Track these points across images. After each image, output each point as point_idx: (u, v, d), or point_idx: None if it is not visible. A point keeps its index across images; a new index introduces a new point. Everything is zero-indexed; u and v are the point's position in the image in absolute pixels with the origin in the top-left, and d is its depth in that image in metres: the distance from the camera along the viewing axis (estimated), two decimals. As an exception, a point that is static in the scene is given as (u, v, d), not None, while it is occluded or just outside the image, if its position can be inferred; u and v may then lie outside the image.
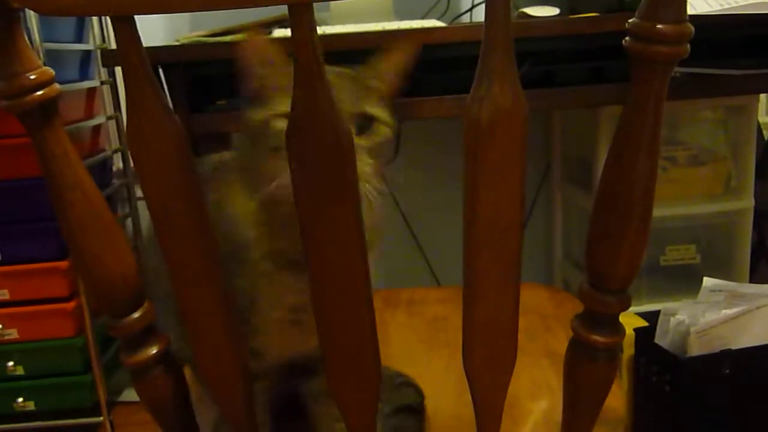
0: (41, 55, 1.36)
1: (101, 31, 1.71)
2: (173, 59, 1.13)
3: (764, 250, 1.71)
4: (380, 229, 0.65)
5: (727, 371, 1.00)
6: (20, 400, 1.53)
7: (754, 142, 1.58)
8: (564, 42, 1.18)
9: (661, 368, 1.06)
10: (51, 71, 0.47)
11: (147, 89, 0.44)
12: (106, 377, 1.54)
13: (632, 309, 0.54)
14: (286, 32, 1.20)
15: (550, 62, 1.18)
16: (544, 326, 0.97)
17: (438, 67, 1.13)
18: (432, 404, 0.77)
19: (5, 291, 1.49)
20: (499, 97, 0.45)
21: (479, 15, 1.69)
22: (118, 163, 1.82)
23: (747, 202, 1.58)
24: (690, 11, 0.44)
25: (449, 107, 1.08)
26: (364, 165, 0.56)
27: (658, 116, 0.46)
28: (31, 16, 1.32)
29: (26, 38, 0.47)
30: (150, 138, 0.46)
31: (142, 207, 1.78)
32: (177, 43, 1.22)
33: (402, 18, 1.32)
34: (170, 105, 0.46)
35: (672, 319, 1.06)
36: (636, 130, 0.47)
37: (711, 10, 1.11)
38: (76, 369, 1.53)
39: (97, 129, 1.69)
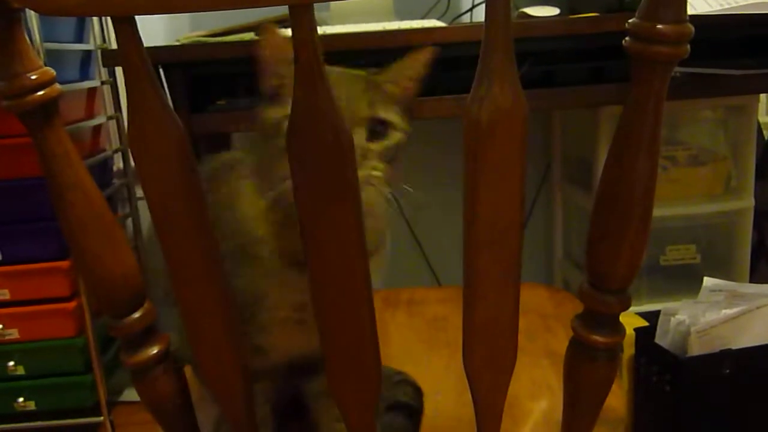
0: (42, 55, 1.36)
1: (102, 31, 1.71)
2: (174, 59, 1.13)
3: (764, 250, 1.71)
4: (385, 233, 0.65)
5: (727, 371, 1.00)
6: (21, 400, 1.53)
7: (754, 142, 1.58)
8: (564, 42, 1.18)
9: (662, 368, 1.06)
10: (52, 71, 0.47)
11: (148, 89, 0.45)
12: (106, 377, 1.54)
13: (632, 309, 0.54)
14: (287, 32, 1.20)
15: (550, 62, 1.18)
16: (544, 326, 0.97)
17: (438, 67, 1.13)
18: (432, 404, 0.77)
19: (6, 291, 1.49)
20: (499, 97, 0.45)
21: (479, 15, 1.69)
22: (118, 163, 1.82)
23: (747, 202, 1.58)
24: (690, 11, 0.44)
25: (449, 107, 1.08)
26: (375, 170, 0.56)
27: (658, 116, 0.46)
28: (32, 16, 1.32)
29: (27, 38, 0.47)
30: (151, 138, 0.46)
31: (142, 207, 1.78)
32: (177, 43, 1.22)
33: (402, 18, 1.32)
34: (171, 105, 0.46)
35: (672, 318, 1.06)
36: (636, 130, 0.47)
37: (711, 10, 1.11)
38: (76, 369, 1.53)
39: (97, 129, 1.69)
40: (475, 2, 1.69)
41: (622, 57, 0.46)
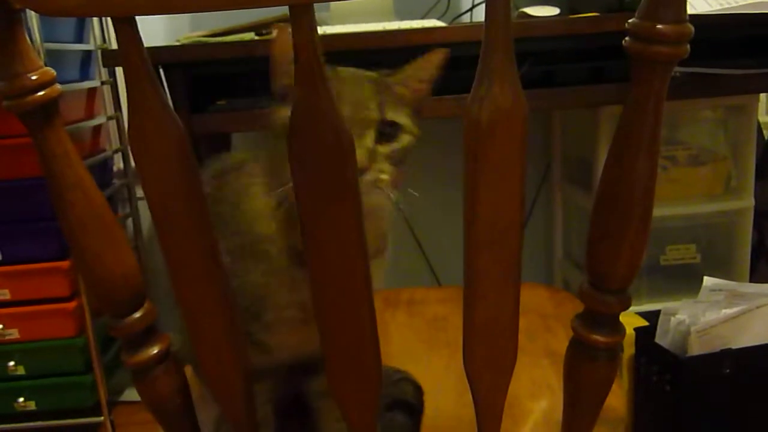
0: (42, 55, 1.36)
1: (102, 32, 1.71)
2: (174, 59, 1.13)
3: (764, 250, 1.71)
4: (388, 235, 0.65)
5: (728, 371, 1.01)
6: (21, 400, 1.53)
7: (754, 141, 1.58)
8: (564, 42, 1.18)
9: (662, 368, 1.06)
10: (52, 72, 0.47)
11: (148, 89, 0.45)
12: (106, 377, 1.54)
13: (632, 309, 0.54)
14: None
15: (550, 62, 1.18)
16: (545, 326, 0.97)
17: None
18: (432, 404, 0.77)
19: (6, 291, 1.49)
20: (499, 97, 0.45)
21: (479, 15, 1.69)
22: (118, 163, 1.82)
23: (747, 202, 1.58)
24: (690, 11, 0.44)
25: (449, 107, 1.08)
26: (383, 173, 0.56)
27: (658, 116, 0.46)
28: (32, 16, 1.32)
29: (27, 38, 0.47)
30: (151, 138, 0.46)
31: (142, 207, 1.78)
32: (177, 44, 1.22)
33: (402, 18, 1.32)
34: (171, 105, 0.47)
35: (672, 318, 1.06)
36: (636, 130, 0.47)
37: (711, 10, 1.11)
38: (76, 369, 1.53)
39: (97, 129, 1.69)
40: (475, 2, 1.69)
41: (622, 57, 0.46)
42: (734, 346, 1.01)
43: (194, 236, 0.49)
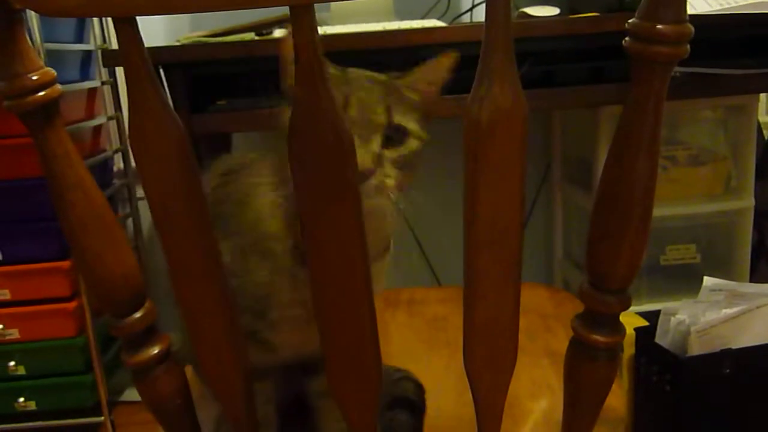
0: (42, 55, 1.36)
1: (102, 32, 1.71)
2: (174, 59, 1.13)
3: (764, 250, 1.71)
4: (390, 238, 0.65)
5: (728, 371, 1.00)
6: (21, 400, 1.53)
7: (754, 141, 1.58)
8: (564, 42, 1.18)
9: (662, 368, 1.06)
10: (53, 72, 0.47)
11: (149, 89, 0.45)
12: (107, 377, 1.54)
13: (632, 308, 0.54)
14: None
15: (550, 62, 1.18)
16: (545, 326, 0.97)
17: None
18: (432, 404, 0.77)
19: (6, 291, 1.49)
20: (500, 97, 0.45)
21: (479, 15, 1.69)
22: (118, 164, 1.82)
23: (747, 202, 1.58)
24: (690, 11, 0.44)
25: (449, 107, 1.08)
26: (388, 177, 0.56)
27: (658, 116, 0.46)
28: (32, 17, 1.32)
29: (28, 39, 0.47)
30: (151, 138, 0.46)
31: (142, 207, 1.78)
32: (178, 44, 1.22)
33: (402, 18, 1.32)
34: (171, 105, 0.47)
35: (672, 318, 1.06)
36: (636, 130, 0.47)
37: (711, 10, 1.11)
38: (77, 369, 1.53)
39: (97, 129, 1.69)
40: (475, 2, 1.69)
41: (622, 57, 0.46)
42: (734, 346, 1.01)
43: (194, 236, 0.49)
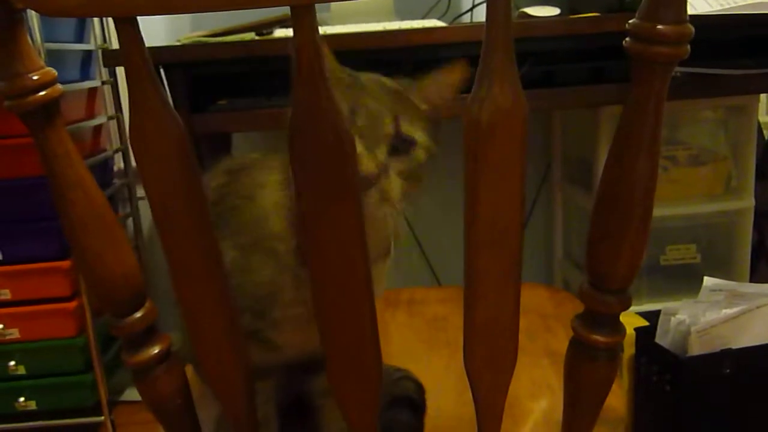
0: (42, 55, 1.36)
1: (102, 31, 1.71)
2: (174, 59, 1.13)
3: (764, 250, 1.71)
4: (391, 242, 0.65)
5: (728, 371, 1.00)
6: (21, 399, 1.53)
7: (755, 142, 1.58)
8: (564, 42, 1.18)
9: (662, 368, 1.06)
10: (53, 72, 0.47)
11: (149, 89, 0.45)
12: (107, 376, 1.54)
13: (633, 308, 0.54)
14: (288, 32, 1.20)
15: (550, 62, 1.18)
16: (545, 326, 0.97)
17: (439, 67, 1.13)
18: (432, 404, 0.77)
19: (6, 291, 1.49)
20: (500, 97, 0.45)
21: (480, 15, 1.69)
22: (119, 163, 1.82)
23: (747, 202, 1.58)
24: (690, 11, 0.44)
25: (449, 107, 1.08)
26: (392, 188, 0.55)
27: (658, 116, 0.46)
28: (33, 16, 1.32)
29: (29, 38, 0.47)
30: (152, 137, 0.46)
31: (143, 206, 1.78)
32: (178, 44, 1.22)
33: (402, 18, 1.32)
34: (172, 105, 0.47)
35: (672, 318, 1.06)
36: (636, 130, 0.47)
37: (711, 10, 1.11)
38: (77, 368, 1.53)
39: (98, 129, 1.69)
40: (476, 2, 1.69)
41: (622, 57, 0.46)
42: (734, 346, 1.01)
43: (195, 236, 0.49)
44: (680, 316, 1.05)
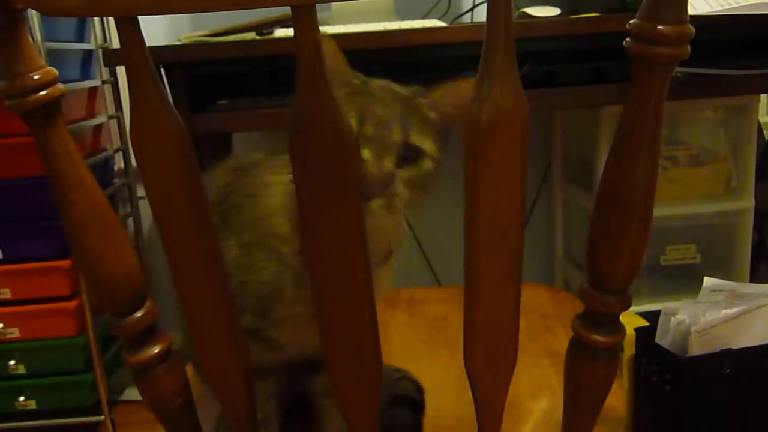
0: (43, 54, 1.36)
1: (103, 31, 1.71)
2: (175, 59, 1.13)
3: (764, 250, 1.72)
4: (392, 246, 0.65)
5: (728, 371, 1.00)
6: (22, 398, 1.53)
7: (755, 142, 1.58)
8: (565, 42, 1.18)
9: (662, 368, 1.06)
10: (54, 71, 0.47)
11: (150, 88, 0.45)
12: (107, 376, 1.54)
13: (633, 309, 0.54)
14: (288, 32, 1.20)
15: (551, 62, 1.18)
16: (545, 326, 0.97)
17: (439, 67, 1.14)
18: (432, 404, 0.77)
19: (7, 290, 1.49)
20: (500, 98, 0.45)
21: (480, 15, 1.69)
22: (119, 163, 1.82)
23: (747, 202, 1.58)
24: (690, 11, 0.44)
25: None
26: (398, 197, 0.55)
27: (658, 117, 0.46)
28: (33, 16, 1.32)
29: (30, 38, 0.47)
30: (152, 137, 0.46)
31: (143, 206, 1.79)
32: (179, 43, 1.22)
33: (403, 18, 1.32)
34: (172, 104, 0.47)
35: (672, 318, 1.06)
36: (636, 130, 0.47)
37: (711, 10, 1.11)
38: (77, 368, 1.53)
39: (98, 128, 1.69)
40: (476, 2, 1.69)
41: (622, 57, 0.46)
42: (734, 346, 1.01)
43: (195, 235, 0.49)
44: (680, 316, 1.05)
